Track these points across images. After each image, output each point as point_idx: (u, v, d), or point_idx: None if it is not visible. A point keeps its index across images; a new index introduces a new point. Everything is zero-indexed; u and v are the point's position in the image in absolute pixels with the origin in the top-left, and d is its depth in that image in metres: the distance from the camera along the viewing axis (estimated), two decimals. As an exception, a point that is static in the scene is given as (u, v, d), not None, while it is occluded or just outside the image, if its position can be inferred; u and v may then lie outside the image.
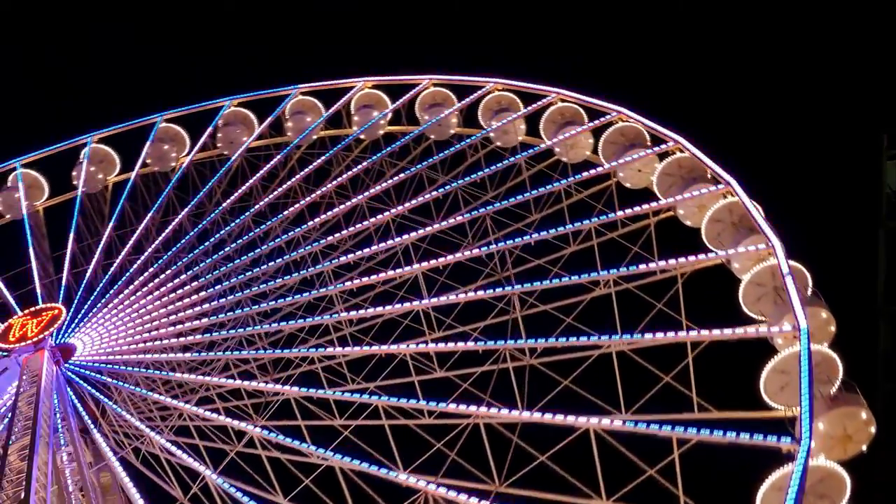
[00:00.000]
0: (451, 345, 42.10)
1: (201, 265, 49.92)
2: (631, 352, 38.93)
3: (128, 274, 50.37)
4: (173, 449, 41.48)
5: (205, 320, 47.13)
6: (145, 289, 49.20)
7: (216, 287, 48.48)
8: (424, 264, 45.37)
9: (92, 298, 49.10)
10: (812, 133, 70.18)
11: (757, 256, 39.99)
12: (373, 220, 49.43)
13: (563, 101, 52.75)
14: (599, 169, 48.76)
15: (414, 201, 50.04)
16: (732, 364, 39.98)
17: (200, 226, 52.67)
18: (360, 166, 54.27)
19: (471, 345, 41.34)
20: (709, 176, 45.16)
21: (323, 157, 55.95)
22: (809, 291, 39.07)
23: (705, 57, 76.38)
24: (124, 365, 45.05)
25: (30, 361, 43.78)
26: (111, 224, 54.46)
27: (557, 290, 43.79)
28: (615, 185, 47.67)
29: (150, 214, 54.57)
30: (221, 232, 51.78)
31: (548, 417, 35.95)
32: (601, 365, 39.58)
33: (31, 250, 53.25)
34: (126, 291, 49.21)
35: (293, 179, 54.86)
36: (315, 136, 58.58)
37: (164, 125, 60.32)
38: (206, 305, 47.70)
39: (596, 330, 40.40)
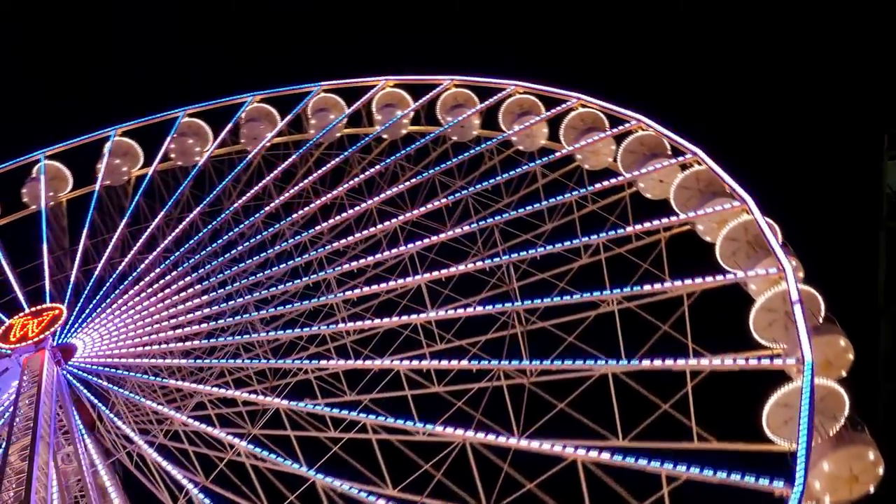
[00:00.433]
0: (444, 362, 41.62)
1: (207, 267, 49.97)
2: (630, 376, 38.27)
3: (134, 274, 50.72)
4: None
5: (205, 325, 47.21)
6: (149, 289, 49.40)
7: (220, 290, 48.56)
8: (427, 276, 45.14)
9: (98, 298, 49.50)
10: (813, 133, 70.15)
11: (770, 280, 39.00)
12: (381, 226, 49.17)
13: (584, 106, 52.13)
14: (620, 178, 47.97)
15: (423, 208, 49.83)
16: (736, 392, 39.15)
17: (210, 227, 52.76)
18: (374, 168, 54.10)
19: (465, 363, 40.93)
20: (727, 190, 44.01)
21: (341, 156, 55.87)
22: (822, 317, 38.42)
23: (706, 57, 76.52)
24: (123, 368, 45.13)
25: (30, 362, 43.93)
26: (125, 220, 54.97)
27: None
28: (629, 197, 46.87)
29: (163, 212, 54.91)
30: (230, 233, 51.87)
31: (535, 446, 35.49)
32: (600, 387, 38.97)
33: (44, 245, 53.78)
34: (130, 292, 49.46)
35: (307, 180, 54.75)
36: (338, 134, 58.54)
37: (186, 119, 60.33)
38: (207, 310, 47.77)
39: (598, 349, 39.93)
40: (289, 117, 59.14)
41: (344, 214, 50.71)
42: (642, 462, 33.16)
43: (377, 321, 45.22)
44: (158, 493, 42.32)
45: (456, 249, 48.12)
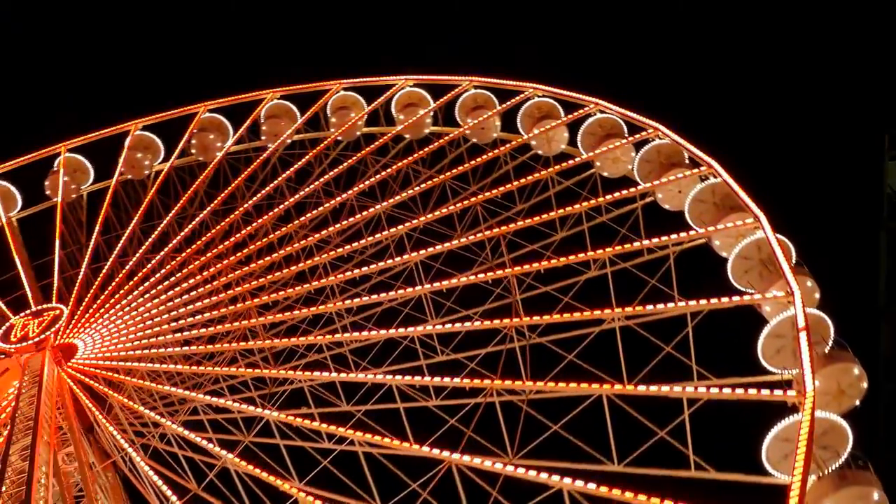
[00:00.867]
0: (437, 379, 41.28)
1: (211, 269, 49.87)
2: (627, 401, 37.59)
3: (141, 273, 50.71)
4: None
5: (206, 315, 47.20)
6: (152, 290, 49.39)
7: (213, 282, 48.54)
8: (429, 286, 44.97)
9: (101, 297, 49.51)
10: (814, 134, 70.21)
11: (781, 303, 38.32)
12: (387, 231, 49.02)
13: (602, 111, 51.15)
14: (637, 188, 46.91)
15: (431, 214, 49.34)
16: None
17: (220, 226, 52.64)
18: (387, 171, 53.69)
19: (458, 381, 40.53)
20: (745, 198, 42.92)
21: (354, 157, 55.47)
22: (833, 342, 37.92)
23: (706, 57, 76.04)
24: (121, 371, 45.18)
25: (31, 362, 44.10)
26: (136, 218, 54.99)
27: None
28: (641, 209, 45.81)
29: (174, 210, 54.79)
30: (237, 235, 51.68)
31: (520, 472, 34.66)
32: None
33: (56, 241, 54.01)
34: (134, 292, 49.45)
35: (319, 180, 54.40)
36: (358, 133, 58.28)
37: (206, 114, 60.20)
38: (205, 301, 47.80)
39: (599, 367, 39.85)
40: (308, 114, 58.95)
41: (352, 219, 50.45)
42: (629, 495, 31.80)
43: (374, 333, 44.87)
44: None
45: (462, 257, 48.06)
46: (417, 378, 40.83)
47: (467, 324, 43.45)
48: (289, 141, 58.88)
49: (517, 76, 54.90)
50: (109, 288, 49.53)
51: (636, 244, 42.98)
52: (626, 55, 78.17)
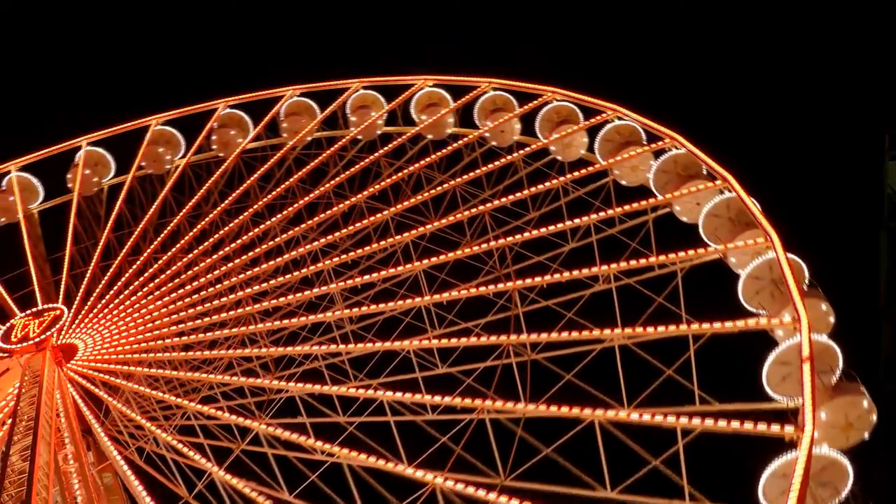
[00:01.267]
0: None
1: (202, 263, 50.09)
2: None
3: (127, 273, 50.80)
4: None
5: (206, 319, 47.18)
6: (147, 288, 49.46)
7: (217, 285, 48.56)
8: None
9: (107, 297, 49.55)
10: (814, 134, 69.89)
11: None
12: (398, 237, 48.30)
13: (620, 118, 50.08)
14: (656, 200, 45.83)
15: (446, 219, 48.81)
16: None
17: (228, 227, 52.36)
18: (402, 172, 53.21)
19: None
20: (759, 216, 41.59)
21: (373, 156, 54.80)
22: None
23: (707, 57, 75.37)
24: (126, 364, 45.29)
25: (31, 362, 44.24)
26: (147, 217, 55.01)
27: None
28: (652, 221, 44.72)
29: (186, 209, 54.73)
30: (221, 231, 51.88)
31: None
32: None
33: (69, 237, 54.44)
34: (128, 291, 49.57)
35: (334, 181, 54.02)
36: (378, 132, 57.68)
37: (227, 111, 60.02)
38: (207, 304, 47.77)
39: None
40: (327, 112, 58.41)
41: (360, 224, 50.03)
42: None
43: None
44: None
45: (467, 266, 47.52)
46: (408, 395, 40.23)
47: (464, 340, 42.80)
48: (309, 138, 58.46)
49: (536, 79, 54.20)
50: (115, 287, 49.80)
51: (643, 260, 42.02)
52: (628, 57, 78.06)
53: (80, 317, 48.09)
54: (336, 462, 38.98)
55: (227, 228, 51.77)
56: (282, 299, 47.61)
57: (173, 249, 51.05)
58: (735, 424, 33.40)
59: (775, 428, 32.57)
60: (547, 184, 48.65)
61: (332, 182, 53.38)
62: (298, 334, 47.98)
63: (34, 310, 48.01)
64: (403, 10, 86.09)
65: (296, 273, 48.03)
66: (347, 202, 50.98)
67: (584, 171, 48.95)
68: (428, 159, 52.89)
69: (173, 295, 48.53)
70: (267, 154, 57.73)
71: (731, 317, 39.12)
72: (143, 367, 45.43)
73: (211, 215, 52.77)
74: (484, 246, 46.02)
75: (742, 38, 76.87)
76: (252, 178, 55.22)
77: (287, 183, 54.21)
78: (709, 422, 33.80)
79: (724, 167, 43.62)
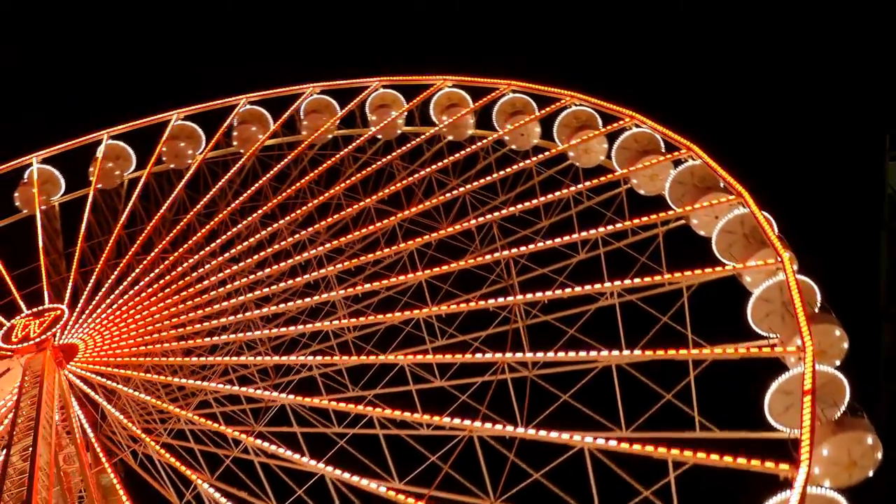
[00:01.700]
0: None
1: (206, 266, 49.92)
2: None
3: (135, 273, 50.75)
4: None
5: (207, 323, 47.06)
6: (151, 289, 49.38)
7: (220, 289, 48.53)
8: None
9: (107, 297, 49.56)
10: (814, 134, 70.03)
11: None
12: (405, 244, 47.47)
13: (637, 126, 49.20)
14: (673, 212, 44.94)
15: (455, 226, 48.08)
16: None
17: (237, 228, 52.25)
18: (409, 178, 52.57)
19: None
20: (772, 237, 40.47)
21: (388, 158, 54.45)
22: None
23: (707, 57, 75.53)
24: (125, 367, 45.22)
25: (32, 362, 44.25)
26: (161, 211, 55.06)
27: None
28: (662, 236, 43.62)
29: (198, 206, 54.64)
30: (228, 232, 51.81)
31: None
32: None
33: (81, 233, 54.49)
34: (131, 292, 49.47)
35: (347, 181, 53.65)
36: (398, 132, 57.33)
37: (248, 107, 59.80)
38: (209, 308, 47.71)
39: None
40: (346, 109, 58.19)
41: (367, 228, 49.43)
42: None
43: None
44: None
45: (454, 247, 47.70)
46: (398, 413, 39.79)
47: (459, 356, 42.32)
48: (329, 136, 58.25)
49: (556, 83, 53.39)
50: (121, 286, 49.78)
51: (648, 279, 41.25)
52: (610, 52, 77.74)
53: (83, 316, 48.25)
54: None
55: (235, 229, 51.71)
56: (283, 306, 47.48)
57: (180, 250, 51.05)
58: (728, 459, 32.31)
59: (769, 465, 31.37)
60: (562, 191, 47.85)
61: (345, 184, 53.01)
62: (298, 341, 47.80)
63: (35, 310, 48.05)
64: (424, 10, 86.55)
65: (298, 279, 47.94)
66: (357, 206, 50.68)
67: (602, 179, 48.03)
68: (442, 163, 52.35)
69: (175, 297, 48.56)
70: (284, 153, 57.51)
71: (740, 339, 38.75)
72: (140, 370, 45.36)
73: (220, 216, 52.87)
74: (488, 257, 45.63)
75: (743, 39, 77.35)
76: (266, 178, 55.11)
77: (298, 184, 53.97)
78: (701, 455, 32.68)
79: (738, 180, 42.92)
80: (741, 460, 32.14)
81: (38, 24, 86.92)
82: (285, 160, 55.95)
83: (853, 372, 34.77)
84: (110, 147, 59.57)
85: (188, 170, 57.83)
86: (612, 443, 34.16)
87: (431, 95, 56.09)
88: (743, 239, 41.50)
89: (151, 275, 49.81)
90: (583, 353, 38.53)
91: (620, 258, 44.46)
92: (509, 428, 36.55)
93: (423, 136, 54.84)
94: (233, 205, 53.42)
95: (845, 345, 37.18)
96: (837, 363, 36.21)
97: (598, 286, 41.56)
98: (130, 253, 51.83)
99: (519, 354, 40.10)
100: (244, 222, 51.93)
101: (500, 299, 42.96)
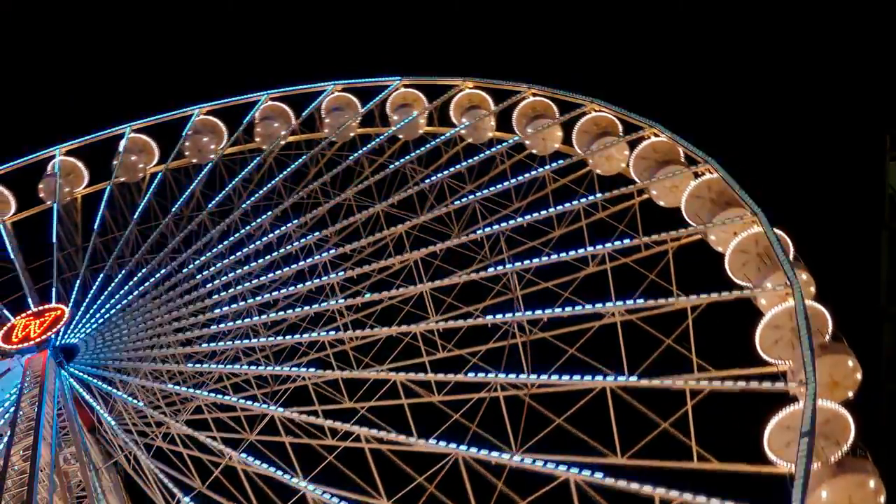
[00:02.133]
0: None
1: (212, 269, 49.81)
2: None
3: (121, 274, 50.84)
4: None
5: (207, 329, 47.06)
6: (145, 287, 49.45)
7: (223, 293, 48.39)
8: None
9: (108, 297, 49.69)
10: (815, 134, 70.36)
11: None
12: (415, 253, 47.13)
13: (656, 135, 47.88)
14: (691, 227, 44.11)
15: (468, 235, 47.71)
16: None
17: (249, 228, 52.02)
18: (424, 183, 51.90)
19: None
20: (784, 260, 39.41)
21: (404, 161, 53.59)
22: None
23: (707, 58, 75.93)
24: (123, 371, 45.20)
25: (32, 362, 44.46)
26: (173, 211, 54.96)
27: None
28: (672, 252, 42.97)
29: (207, 208, 54.73)
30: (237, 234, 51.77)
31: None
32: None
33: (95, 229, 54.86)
34: (126, 291, 49.53)
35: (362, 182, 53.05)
36: (420, 132, 56.64)
37: (271, 103, 59.28)
38: (207, 300, 47.75)
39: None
40: (368, 107, 57.62)
41: (377, 235, 49.05)
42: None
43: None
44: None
45: (462, 255, 47.38)
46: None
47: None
48: (352, 134, 57.62)
49: (578, 89, 52.43)
50: (127, 286, 49.88)
51: (661, 301, 40.53)
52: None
53: (85, 316, 48.41)
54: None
55: (246, 229, 51.53)
56: (283, 313, 47.40)
57: (188, 252, 51.03)
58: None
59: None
60: (576, 203, 46.86)
61: (358, 187, 52.38)
62: (297, 349, 47.37)
63: (35, 309, 48.22)
64: (447, 11, 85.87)
65: (301, 286, 47.83)
66: (365, 213, 50.07)
67: (623, 190, 46.77)
68: (455, 169, 51.52)
69: (172, 293, 48.61)
70: (303, 151, 57.09)
71: (748, 362, 38.42)
72: (146, 361, 45.46)
73: (231, 216, 52.86)
74: (491, 270, 45.19)
75: (743, 39, 77.41)
76: (280, 176, 54.83)
77: (311, 186, 53.51)
78: (687, 496, 32.09)
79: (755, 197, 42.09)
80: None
81: (66, 18, 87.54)
82: (302, 158, 55.72)
83: (863, 446, 33.68)
84: (133, 140, 59.55)
85: (205, 166, 57.84)
86: (599, 475, 33.93)
87: (453, 96, 55.24)
88: (757, 259, 40.45)
89: (157, 276, 49.93)
90: (577, 378, 38.38)
91: (630, 272, 43.66)
92: (494, 454, 36.84)
93: (441, 139, 54.05)
94: (245, 204, 53.43)
95: (858, 376, 36.17)
96: (850, 394, 35.52)
97: (599, 306, 41.08)
98: (139, 253, 52.10)
99: (512, 376, 39.81)
100: (252, 224, 51.87)
101: (500, 316, 42.90)
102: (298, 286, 47.67)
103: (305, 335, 46.18)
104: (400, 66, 59.68)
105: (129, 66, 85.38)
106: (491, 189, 49.13)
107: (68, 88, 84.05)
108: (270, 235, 50.71)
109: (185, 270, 49.97)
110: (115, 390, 44.34)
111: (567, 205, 46.45)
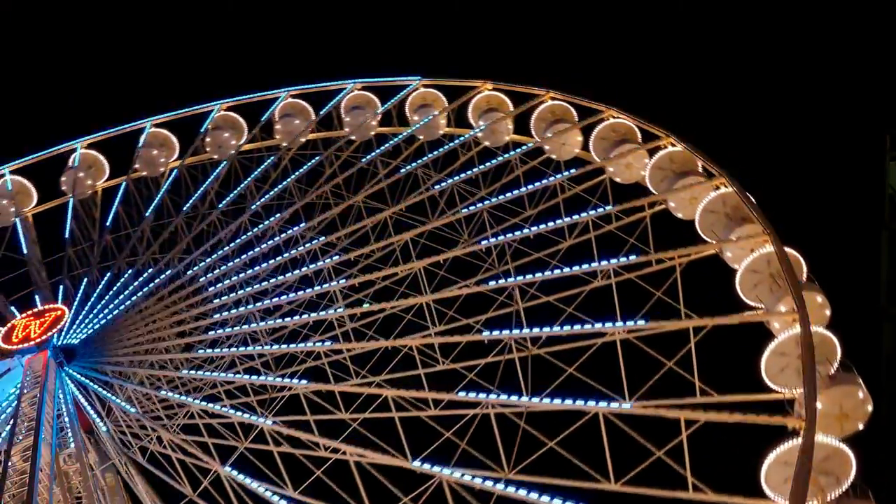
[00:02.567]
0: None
1: (202, 264, 49.79)
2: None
3: (126, 274, 50.80)
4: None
5: (208, 319, 46.98)
6: (147, 289, 49.35)
7: (217, 286, 48.29)
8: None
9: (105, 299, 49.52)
10: (815, 134, 70.46)
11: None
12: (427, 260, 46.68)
13: (672, 145, 46.76)
14: (708, 245, 42.87)
15: (481, 244, 47.10)
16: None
17: (261, 228, 51.71)
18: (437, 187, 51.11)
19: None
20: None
21: (418, 164, 53.05)
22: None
23: (708, 58, 76.17)
24: (129, 364, 45.22)
25: (32, 362, 44.48)
26: (184, 210, 54.83)
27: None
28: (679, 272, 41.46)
29: (220, 206, 54.58)
30: (223, 233, 51.91)
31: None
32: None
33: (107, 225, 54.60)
34: (129, 292, 49.41)
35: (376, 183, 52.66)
36: (441, 132, 56.20)
37: (290, 101, 58.98)
38: (208, 304, 47.64)
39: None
40: (385, 106, 57.29)
41: (386, 241, 48.43)
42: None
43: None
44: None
45: (468, 264, 47.18)
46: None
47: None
48: (372, 133, 57.20)
49: (596, 95, 51.46)
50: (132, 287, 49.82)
51: (664, 322, 39.30)
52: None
53: (88, 315, 48.37)
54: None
55: (254, 231, 51.29)
56: (280, 298, 47.42)
57: (196, 253, 50.90)
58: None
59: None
60: (588, 214, 45.85)
61: (369, 190, 51.90)
62: (299, 333, 47.35)
63: (35, 310, 48.18)
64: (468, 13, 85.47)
65: (296, 272, 48.00)
66: (379, 216, 49.47)
67: (634, 202, 45.37)
68: (467, 174, 50.68)
69: (174, 296, 48.32)
70: (319, 151, 56.61)
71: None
72: (144, 366, 45.41)
73: (241, 218, 52.51)
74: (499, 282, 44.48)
75: (744, 40, 77.47)
76: (291, 178, 54.51)
77: (323, 189, 53.07)
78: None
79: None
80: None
81: (92, 13, 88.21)
82: (317, 159, 55.29)
83: (867, 489, 32.89)
84: (154, 134, 59.50)
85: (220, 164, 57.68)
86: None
87: (471, 98, 54.60)
88: (769, 279, 38.99)
89: (163, 277, 49.86)
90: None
91: (637, 286, 42.45)
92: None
93: (457, 141, 53.31)
94: (256, 205, 53.22)
95: (869, 407, 35.21)
96: (860, 426, 34.80)
97: (600, 326, 40.22)
98: (147, 252, 52.11)
99: (504, 397, 39.30)
100: (261, 226, 51.63)
101: (498, 332, 42.46)
102: (299, 293, 47.38)
103: (302, 345, 45.79)
104: (418, 67, 59.35)
105: (153, 62, 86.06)
106: (500, 198, 48.32)
107: (92, 83, 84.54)
108: (278, 238, 50.42)
109: (189, 272, 49.68)
110: (110, 395, 44.30)
111: (576, 216, 45.55)
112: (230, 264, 49.47)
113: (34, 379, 43.07)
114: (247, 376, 45.01)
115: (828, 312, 38.33)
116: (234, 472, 40.38)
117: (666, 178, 45.90)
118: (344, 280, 47.23)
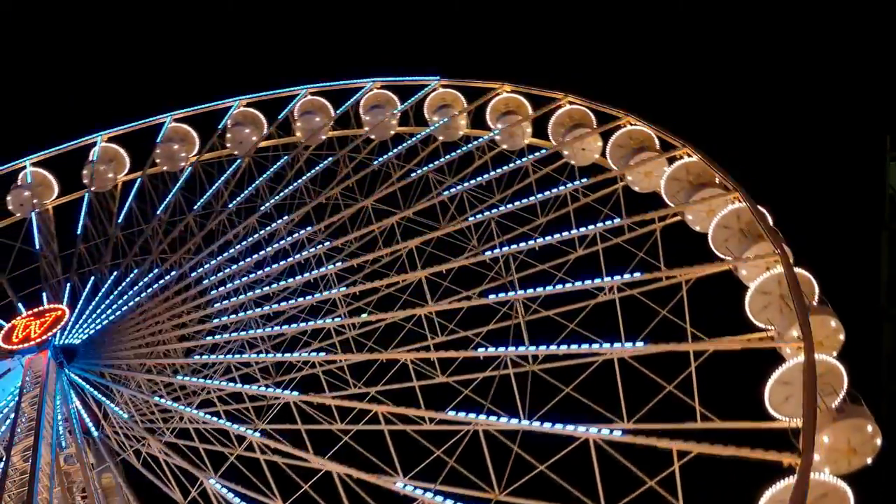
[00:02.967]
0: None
1: (206, 266, 49.64)
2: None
3: (133, 273, 50.77)
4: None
5: (208, 323, 46.94)
6: (150, 290, 49.26)
7: (220, 289, 48.28)
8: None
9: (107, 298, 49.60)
10: (815, 135, 70.01)
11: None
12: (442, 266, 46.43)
13: (688, 155, 45.41)
14: (725, 262, 41.27)
15: (490, 252, 46.52)
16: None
17: (265, 231, 51.47)
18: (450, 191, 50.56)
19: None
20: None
21: (441, 161, 52.71)
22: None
23: (708, 58, 75.78)
24: (127, 367, 45.12)
25: (33, 363, 44.50)
26: (198, 209, 54.73)
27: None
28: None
29: (233, 204, 54.26)
30: (231, 234, 51.75)
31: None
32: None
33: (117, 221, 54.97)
34: (130, 293, 49.39)
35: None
36: (461, 133, 55.41)
37: (310, 98, 58.63)
38: (209, 308, 47.53)
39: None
40: (404, 105, 56.66)
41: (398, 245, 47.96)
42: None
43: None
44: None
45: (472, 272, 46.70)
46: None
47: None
48: (392, 132, 56.72)
49: (615, 101, 50.31)
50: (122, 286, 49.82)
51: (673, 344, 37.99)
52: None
53: (91, 315, 48.39)
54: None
55: (261, 233, 51.07)
56: (283, 304, 47.35)
57: (202, 254, 50.65)
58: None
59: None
60: (592, 227, 45.01)
61: (380, 193, 51.57)
62: (299, 340, 47.34)
63: (35, 310, 48.18)
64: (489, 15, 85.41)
65: (298, 278, 47.94)
66: (391, 219, 48.97)
67: (644, 215, 44.39)
68: (479, 180, 50.06)
69: (178, 297, 48.32)
70: (335, 151, 56.10)
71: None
72: (142, 370, 45.24)
73: (250, 219, 52.39)
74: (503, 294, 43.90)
75: (744, 40, 76.94)
76: (303, 179, 54.11)
77: (333, 191, 52.73)
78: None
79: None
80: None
81: (111, 8, 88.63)
82: (327, 161, 54.96)
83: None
84: (174, 129, 59.50)
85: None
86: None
87: (489, 100, 53.81)
88: (779, 300, 37.49)
89: (151, 275, 49.91)
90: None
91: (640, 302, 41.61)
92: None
93: (473, 144, 52.55)
94: (266, 206, 53.03)
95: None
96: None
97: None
98: (155, 252, 52.06)
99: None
100: (271, 227, 51.40)
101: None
102: (300, 300, 47.34)
103: (296, 355, 45.40)
104: (436, 67, 58.53)
105: (173, 57, 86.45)
106: (510, 206, 47.52)
107: (113, 76, 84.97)
108: (284, 241, 50.12)
109: (194, 274, 49.54)
110: (104, 399, 44.28)
111: (584, 228, 44.78)
112: (235, 267, 49.34)
113: (34, 379, 43.11)
114: (239, 385, 44.87)
115: (842, 337, 36.52)
116: (218, 486, 40.13)
117: (682, 189, 44.52)
118: (345, 288, 46.80)
